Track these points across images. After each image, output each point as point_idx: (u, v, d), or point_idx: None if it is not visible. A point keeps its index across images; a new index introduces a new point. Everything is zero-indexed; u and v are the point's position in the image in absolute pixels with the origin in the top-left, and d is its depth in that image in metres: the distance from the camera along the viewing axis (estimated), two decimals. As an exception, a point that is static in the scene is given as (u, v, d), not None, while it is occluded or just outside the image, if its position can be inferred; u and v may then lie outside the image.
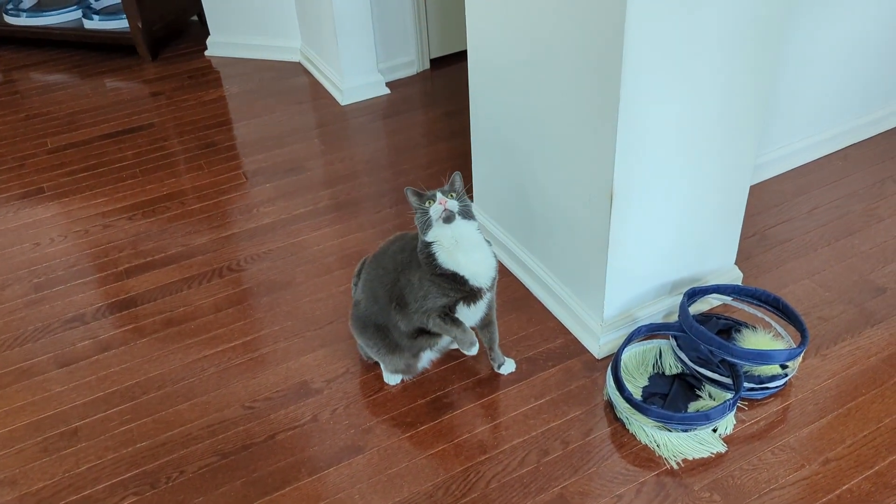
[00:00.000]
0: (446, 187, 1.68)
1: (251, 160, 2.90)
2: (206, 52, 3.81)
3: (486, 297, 1.74)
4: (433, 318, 1.70)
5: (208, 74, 3.64)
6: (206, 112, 3.28)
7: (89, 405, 1.89)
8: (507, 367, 1.91)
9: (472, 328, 1.79)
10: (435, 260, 1.65)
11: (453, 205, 1.62)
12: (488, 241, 1.73)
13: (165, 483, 1.69)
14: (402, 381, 1.90)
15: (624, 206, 1.74)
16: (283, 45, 3.68)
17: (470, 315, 1.75)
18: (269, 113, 3.25)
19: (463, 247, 1.65)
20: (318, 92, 3.39)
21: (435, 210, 1.61)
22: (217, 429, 1.81)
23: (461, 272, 1.66)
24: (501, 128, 2.09)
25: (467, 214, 1.66)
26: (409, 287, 1.71)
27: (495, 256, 1.73)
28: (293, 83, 3.49)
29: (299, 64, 3.65)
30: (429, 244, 1.66)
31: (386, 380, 1.90)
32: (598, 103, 1.64)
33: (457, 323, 1.72)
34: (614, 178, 1.68)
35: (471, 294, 1.69)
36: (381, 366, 1.90)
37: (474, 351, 1.74)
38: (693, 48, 1.59)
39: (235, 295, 2.22)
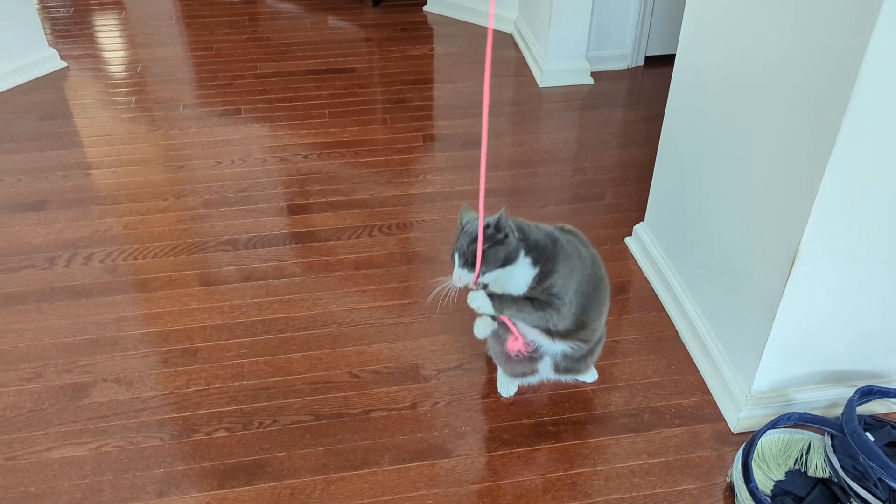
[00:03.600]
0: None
1: (434, 124, 2.85)
2: (425, 7, 3.81)
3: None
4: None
5: (421, 29, 3.63)
6: (407, 67, 3.28)
7: (215, 330, 1.95)
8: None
9: None
10: None
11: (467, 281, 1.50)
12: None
13: (257, 427, 1.71)
14: (518, 389, 1.78)
15: (807, 271, 1.48)
16: (499, 14, 3.59)
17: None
18: (466, 80, 3.18)
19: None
20: (520, 68, 3.27)
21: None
22: (320, 388, 1.80)
23: None
24: (691, 149, 1.86)
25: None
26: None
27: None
28: (499, 54, 3.40)
29: (510, 36, 3.55)
30: None
31: (499, 388, 1.79)
32: (806, 148, 1.40)
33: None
34: (803, 238, 1.43)
35: None
36: (499, 370, 1.79)
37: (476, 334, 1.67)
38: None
39: (378, 258, 2.20)
